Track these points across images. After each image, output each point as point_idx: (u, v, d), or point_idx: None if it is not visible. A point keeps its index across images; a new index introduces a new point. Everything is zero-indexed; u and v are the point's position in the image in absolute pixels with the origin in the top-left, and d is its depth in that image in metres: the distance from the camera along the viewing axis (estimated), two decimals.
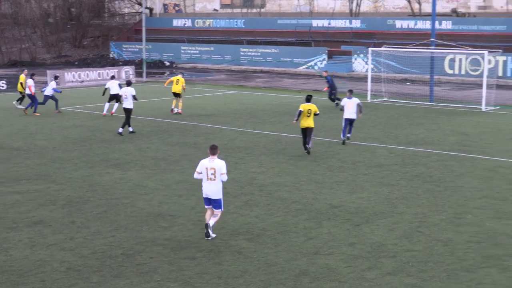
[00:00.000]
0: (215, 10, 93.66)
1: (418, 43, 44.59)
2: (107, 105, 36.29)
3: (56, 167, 23.97)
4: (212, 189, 16.22)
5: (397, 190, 20.76)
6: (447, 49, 48.00)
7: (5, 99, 43.53)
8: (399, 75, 53.60)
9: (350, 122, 28.71)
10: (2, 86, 49.13)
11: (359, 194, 20.31)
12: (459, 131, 31.63)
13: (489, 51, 42.54)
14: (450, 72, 57.16)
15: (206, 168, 16.20)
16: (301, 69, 65.99)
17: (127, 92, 30.77)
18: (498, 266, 14.49)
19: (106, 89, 36.87)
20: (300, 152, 26.47)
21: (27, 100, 38.63)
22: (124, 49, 79.90)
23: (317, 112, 25.98)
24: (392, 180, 22.10)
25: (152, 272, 14.13)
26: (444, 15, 68.45)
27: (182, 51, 75.55)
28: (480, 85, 43.31)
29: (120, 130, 30.39)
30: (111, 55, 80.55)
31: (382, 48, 48.77)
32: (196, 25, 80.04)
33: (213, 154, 16.27)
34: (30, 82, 37.59)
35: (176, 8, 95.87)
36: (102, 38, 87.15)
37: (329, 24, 70.40)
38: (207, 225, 16.24)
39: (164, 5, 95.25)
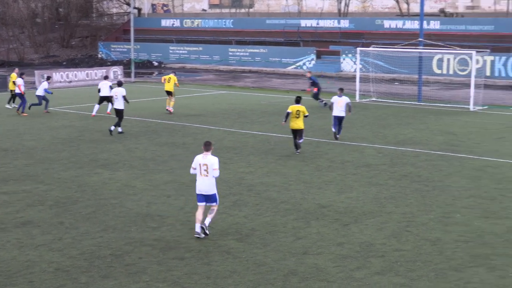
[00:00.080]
0: (203, 10, 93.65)
1: (406, 43, 44.69)
2: (96, 106, 36.19)
3: (44, 168, 23.90)
4: (206, 185, 16.29)
5: (386, 190, 20.80)
6: (435, 49, 48.13)
7: None
8: (388, 75, 53.67)
9: (339, 120, 28.92)
10: None
11: (347, 194, 20.34)
12: (447, 130, 31.72)
13: (477, 51, 42.66)
14: (438, 72, 57.32)
15: (200, 164, 16.32)
16: (290, 69, 66.03)
17: (118, 93, 30.77)
18: (486, 265, 14.54)
19: (100, 89, 36.76)
20: (288, 152, 26.50)
21: (17, 100, 38.43)
22: (112, 49, 79.76)
23: (306, 114, 25.96)
24: (381, 179, 22.15)
25: (141, 273, 14.11)
26: (432, 15, 68.64)
27: (171, 51, 75.47)
28: (468, 85, 43.41)
29: (112, 128, 30.44)
30: (99, 55, 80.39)
31: (370, 48, 48.85)
32: (185, 25, 79.97)
33: (207, 150, 16.38)
34: (19, 81, 37.50)
35: (165, 8, 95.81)
36: (90, 38, 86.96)
37: (318, 24, 70.48)
38: (201, 227, 16.24)
39: (153, 5, 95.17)
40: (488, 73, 53.31)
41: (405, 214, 18.25)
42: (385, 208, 18.83)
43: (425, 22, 52.54)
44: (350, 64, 63.02)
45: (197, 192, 16.46)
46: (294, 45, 69.01)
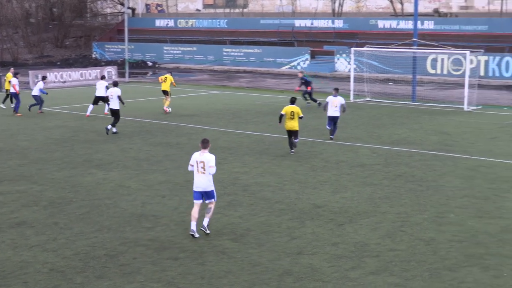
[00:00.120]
0: (197, 10, 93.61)
1: (401, 43, 44.74)
2: (91, 106, 36.16)
3: (38, 168, 23.87)
4: (203, 182, 16.37)
5: (380, 190, 20.82)
6: (429, 49, 48.17)
7: None
8: (382, 75, 53.73)
9: (334, 120, 29.01)
10: None
11: (342, 194, 20.36)
12: (441, 130, 31.77)
13: (471, 51, 42.72)
14: (432, 72, 57.40)
15: (196, 161, 16.42)
16: (284, 69, 66.05)
17: (113, 93, 30.82)
18: (480, 265, 14.57)
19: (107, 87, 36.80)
20: (283, 152, 26.51)
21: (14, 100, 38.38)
22: (106, 49, 79.69)
23: (301, 115, 25.97)
24: (375, 179, 22.17)
25: (136, 273, 14.10)
26: (426, 15, 68.72)
27: (165, 51, 75.45)
28: (462, 85, 43.47)
29: (108, 126, 30.50)
30: (93, 55, 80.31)
31: (364, 48, 48.88)
32: (179, 25, 79.94)
33: (204, 148, 16.49)
34: (14, 81, 37.46)
35: (159, 8, 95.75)
36: (85, 38, 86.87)
37: (312, 24, 70.53)
38: (192, 235, 16.25)
39: (147, 5, 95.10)
40: (482, 73, 53.42)
41: (400, 214, 18.27)
42: (380, 208, 18.85)
43: (419, 22, 52.57)
44: (344, 64, 63.07)
45: (195, 189, 16.52)
46: (288, 45, 69.04)
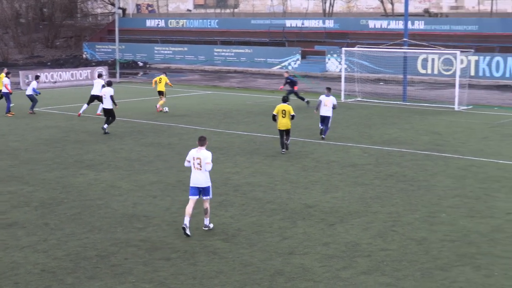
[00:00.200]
0: (188, 10, 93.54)
1: (391, 43, 44.80)
2: (84, 106, 36.12)
3: (29, 169, 23.80)
4: (199, 178, 16.54)
5: (371, 190, 20.84)
6: (420, 49, 48.28)
7: None
8: (373, 75, 53.83)
9: (325, 120, 29.24)
10: None
11: (333, 194, 20.37)
12: (432, 130, 31.83)
13: (461, 51, 42.81)
14: (423, 72, 57.52)
15: (193, 158, 16.59)
16: (275, 69, 66.03)
17: (106, 92, 30.86)
18: (472, 264, 14.59)
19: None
20: (274, 152, 26.51)
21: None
22: (97, 50, 79.56)
23: (292, 113, 26.02)
24: (366, 179, 22.19)
25: (127, 273, 14.07)
26: (416, 15, 68.88)
27: (156, 52, 75.37)
28: (452, 85, 43.64)
29: (105, 126, 30.58)
30: (84, 56, 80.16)
31: (355, 48, 48.94)
32: (170, 26, 79.87)
33: (201, 145, 16.68)
34: (6, 80, 37.37)
35: (149, 8, 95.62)
36: (75, 39, 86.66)
37: (303, 24, 70.56)
38: (184, 228, 16.33)
39: (137, 5, 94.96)
40: (472, 73, 53.52)
41: (391, 214, 18.29)
42: (371, 208, 18.86)
43: (409, 22, 52.72)
44: (335, 64, 63.12)
45: (192, 185, 16.65)
46: (279, 45, 69.06)
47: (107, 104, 30.80)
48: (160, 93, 37.89)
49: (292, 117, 26.08)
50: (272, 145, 27.71)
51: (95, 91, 34.98)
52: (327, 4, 78.91)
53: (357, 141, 28.89)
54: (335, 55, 62.94)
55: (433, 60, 57.27)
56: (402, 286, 13.45)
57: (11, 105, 36.96)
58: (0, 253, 15.31)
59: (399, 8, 71.91)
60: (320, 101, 29.22)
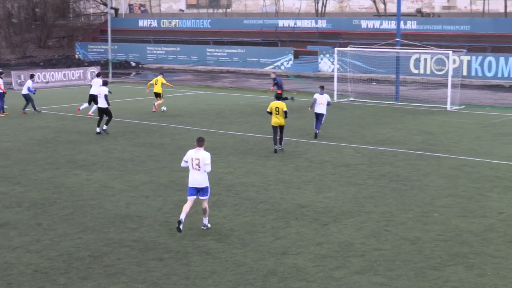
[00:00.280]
0: (181, 10, 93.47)
1: (384, 43, 44.87)
2: (85, 104, 36.15)
3: (21, 169, 23.73)
4: (198, 179, 16.61)
5: (364, 190, 20.85)
6: (412, 49, 48.37)
7: None
8: (365, 75, 53.89)
9: (320, 118, 29.69)
10: None
11: (326, 194, 20.37)
12: (425, 130, 31.87)
13: (454, 51, 42.90)
14: (416, 72, 57.61)
15: (192, 158, 16.66)
16: (268, 69, 66.02)
17: (101, 92, 30.86)
18: (465, 263, 14.61)
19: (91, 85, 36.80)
20: (267, 152, 26.50)
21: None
22: (89, 50, 79.46)
23: (285, 109, 26.24)
24: (359, 179, 22.20)
25: (120, 274, 14.04)
26: (409, 15, 68.98)
27: (148, 52, 75.31)
28: (445, 85, 43.72)
29: (105, 127, 30.65)
30: (76, 56, 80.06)
31: (348, 48, 48.98)
32: (162, 26, 79.81)
33: (200, 146, 16.76)
34: None
35: (142, 8, 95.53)
36: (67, 39, 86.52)
37: (295, 24, 70.59)
38: (180, 221, 16.40)
39: (130, 5, 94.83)
40: (464, 73, 53.64)
41: (384, 214, 18.30)
42: (364, 208, 18.87)
43: (402, 22, 52.75)
44: (328, 64, 63.17)
45: (190, 185, 16.72)
46: (272, 45, 69.08)
47: (102, 103, 30.76)
48: (157, 94, 37.91)
49: (285, 113, 26.25)
50: (265, 145, 27.71)
51: (94, 90, 34.93)
52: (320, 4, 78.94)
53: (350, 141, 28.91)
54: (327, 55, 62.99)
55: (425, 60, 57.38)
56: (395, 285, 13.45)
57: (3, 105, 36.86)
58: None
59: (392, 8, 72.04)
60: (315, 99, 29.55)
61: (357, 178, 22.38)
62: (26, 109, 37.38)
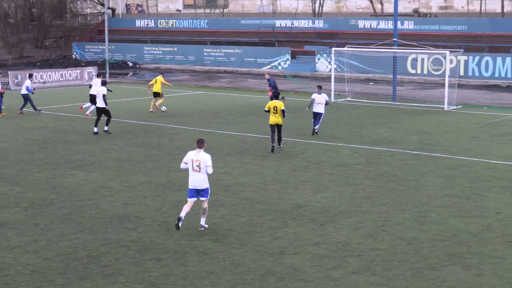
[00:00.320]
0: (178, 10, 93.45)
1: (381, 43, 44.88)
2: (88, 104, 36.23)
3: (19, 169, 23.73)
4: (199, 180, 16.64)
5: (361, 190, 20.87)
6: (409, 49, 48.39)
7: None
8: (362, 75, 53.90)
9: (318, 117, 30.00)
10: None
11: (323, 194, 20.38)
12: (422, 130, 31.90)
13: (451, 51, 42.94)
14: (413, 71, 57.64)
15: (192, 160, 16.66)
16: (265, 69, 65.99)
17: (100, 91, 30.90)
18: (462, 263, 14.63)
19: (91, 85, 36.80)
20: (264, 152, 26.52)
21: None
22: (86, 50, 79.41)
23: (283, 108, 26.32)
24: (356, 179, 22.22)
25: (118, 274, 14.05)
26: (406, 15, 69.00)
27: (145, 52, 75.28)
28: (442, 85, 43.73)
29: (106, 128, 30.69)
30: (73, 56, 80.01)
31: (345, 48, 49.02)
32: (159, 26, 79.80)
33: (200, 147, 16.76)
34: None
35: (139, 8, 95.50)
36: (64, 39, 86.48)
37: (292, 24, 70.60)
38: (179, 218, 16.48)
39: (127, 5, 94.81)
40: (461, 73, 53.69)
41: (381, 214, 18.32)
42: (361, 208, 18.89)
43: (399, 22, 52.83)
44: (325, 64, 63.19)
45: (190, 187, 16.76)
46: (269, 45, 69.08)
47: (100, 103, 30.78)
48: (156, 94, 37.94)
49: (283, 112, 26.33)
50: (262, 145, 27.73)
51: (94, 90, 34.96)
52: (317, 4, 78.96)
53: (347, 141, 28.93)
54: (324, 55, 63.01)
55: (422, 60, 57.42)
56: (392, 285, 13.47)
57: (2, 106, 36.85)
58: None
59: (389, 8, 72.08)
60: (313, 99, 29.81)
61: (354, 178, 22.40)
62: (23, 109, 37.34)
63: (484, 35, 59.20)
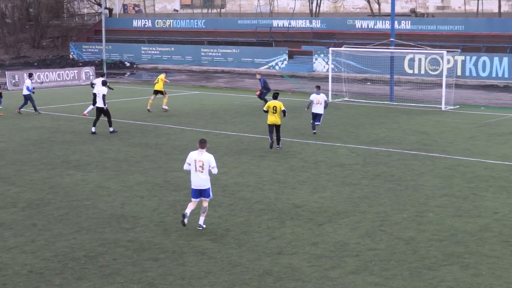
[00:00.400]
0: (175, 10, 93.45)
1: (378, 43, 44.89)
2: (91, 107, 36.26)
3: (16, 169, 23.70)
4: (201, 180, 16.71)
5: (359, 189, 20.86)
6: (407, 49, 48.41)
7: None
8: (360, 75, 53.92)
9: (317, 117, 30.27)
10: None
11: (321, 194, 20.38)
12: (420, 130, 31.90)
13: (448, 51, 42.95)
14: (410, 71, 57.66)
15: (195, 161, 16.70)
16: (262, 69, 65.98)
17: (100, 91, 30.92)
18: (460, 263, 14.63)
19: (92, 83, 36.81)
20: (262, 152, 26.51)
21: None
22: (84, 50, 79.35)
23: (283, 109, 26.51)
24: (354, 179, 22.21)
25: (115, 274, 14.03)
26: (403, 15, 69.08)
27: (143, 52, 75.23)
28: (439, 85, 43.77)
29: (111, 129, 30.76)
30: (70, 56, 79.93)
31: (342, 48, 49.02)
32: (156, 26, 79.75)
33: (202, 147, 16.81)
34: None
35: (136, 8, 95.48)
36: (62, 39, 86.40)
37: (290, 24, 70.61)
38: (184, 215, 16.59)
39: (124, 5, 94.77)
40: (459, 73, 53.70)
41: (379, 214, 18.32)
42: (359, 208, 18.89)
43: (396, 22, 52.84)
44: (322, 64, 63.19)
45: (193, 187, 16.83)
46: (266, 45, 69.07)
47: (100, 103, 30.80)
48: (157, 92, 38.23)
49: (284, 112, 26.53)
50: (260, 145, 27.72)
51: (96, 90, 34.96)
52: (314, 4, 79.01)
53: (345, 141, 28.93)
54: (322, 55, 63.01)
55: (419, 60, 57.44)
56: (390, 285, 13.47)
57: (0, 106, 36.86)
58: None
59: (386, 8, 72.14)
60: (312, 100, 29.97)
61: (352, 178, 22.40)
62: (22, 109, 37.27)
63: (481, 35, 59.25)
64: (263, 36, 70.12)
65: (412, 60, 57.49)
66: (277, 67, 65.41)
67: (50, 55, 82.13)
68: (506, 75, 54.27)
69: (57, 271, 14.21)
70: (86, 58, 77.61)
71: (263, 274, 13.99)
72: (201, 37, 74.19)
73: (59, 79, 53.86)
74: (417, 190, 20.82)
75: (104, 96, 30.73)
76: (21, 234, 16.62)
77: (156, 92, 38.29)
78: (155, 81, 38.88)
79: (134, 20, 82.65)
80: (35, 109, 37.16)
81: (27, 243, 15.98)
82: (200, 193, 16.80)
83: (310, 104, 30.15)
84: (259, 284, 13.53)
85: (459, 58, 54.33)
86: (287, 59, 65.62)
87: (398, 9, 64.08)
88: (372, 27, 65.12)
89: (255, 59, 67.41)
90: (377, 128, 32.34)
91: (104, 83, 31.81)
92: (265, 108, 26.96)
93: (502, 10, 68.93)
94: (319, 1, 78.93)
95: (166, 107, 38.18)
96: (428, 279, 13.76)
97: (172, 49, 73.29)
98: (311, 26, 69.13)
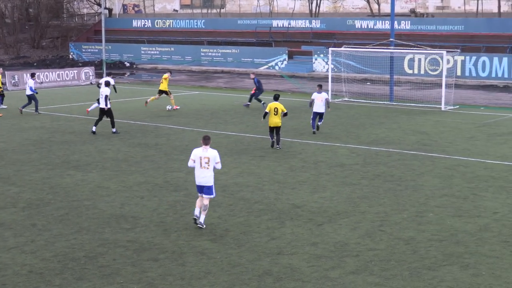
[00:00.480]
0: (175, 10, 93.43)
1: (378, 43, 44.89)
2: (96, 104, 36.35)
3: (15, 169, 23.70)
4: (205, 177, 16.84)
5: (359, 190, 20.87)
6: (406, 49, 48.40)
7: None
8: (360, 75, 53.92)
9: (319, 116, 30.50)
10: None
11: (321, 194, 20.38)
12: (419, 130, 31.90)
13: (448, 51, 42.95)
14: (410, 72, 57.66)
15: (200, 157, 16.83)
16: (262, 69, 66.02)
17: (103, 92, 30.98)
18: (459, 263, 14.63)
19: (99, 83, 36.93)
20: (262, 152, 26.51)
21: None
22: (83, 50, 79.34)
23: (285, 111, 26.81)
24: (354, 179, 22.21)
25: (115, 274, 14.03)
26: (402, 15, 69.09)
27: (143, 52, 75.21)
28: (439, 85, 43.76)
29: (114, 130, 30.84)
30: (70, 56, 79.91)
31: (342, 48, 49.00)
32: (156, 26, 79.74)
33: (206, 144, 16.94)
34: None
35: (136, 8, 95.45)
36: (61, 39, 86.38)
37: (289, 24, 70.59)
38: (195, 219, 16.87)
39: (124, 5, 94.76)
40: (458, 73, 53.70)
41: (379, 214, 18.32)
42: (359, 208, 18.89)
43: (395, 22, 52.82)
44: (322, 64, 63.19)
45: (197, 183, 17.00)
46: (266, 46, 69.07)
47: (102, 103, 30.83)
48: (161, 92, 38.60)
49: (285, 114, 26.87)
50: (259, 145, 27.72)
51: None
52: (314, 5, 79.00)
53: (345, 141, 28.93)
54: (322, 55, 63.01)
55: (419, 60, 57.44)
56: (390, 285, 13.47)
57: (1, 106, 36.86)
58: None
59: (385, 8, 72.13)
60: (313, 99, 30.18)
61: (351, 178, 22.40)
62: (24, 109, 37.25)
63: (481, 35, 59.25)
64: (262, 36, 70.12)
65: (411, 60, 57.49)
66: (276, 67, 65.41)
67: (50, 55, 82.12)
68: (506, 75, 54.27)
69: (57, 271, 14.21)
70: (86, 58, 77.60)
71: (263, 274, 14.00)
72: (201, 37, 74.19)
73: (58, 79, 53.85)
74: (417, 190, 20.82)
75: (106, 97, 30.71)
76: (21, 234, 16.62)
77: (161, 92, 38.44)
78: (161, 81, 39.07)
79: (133, 20, 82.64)
80: (36, 109, 37.16)
81: (27, 243, 15.98)
82: (202, 190, 16.86)
83: (311, 102, 30.34)
84: (259, 284, 13.53)
85: (459, 58, 54.33)
86: (286, 59, 65.62)
87: (397, 9, 64.08)
88: (372, 27, 65.12)
89: (254, 59, 67.41)
90: (377, 128, 32.34)
91: (107, 84, 31.79)
92: (266, 110, 27.04)
93: (501, 10, 68.94)
94: (318, 1, 78.93)
95: (176, 107, 38.65)
96: (428, 279, 13.77)
97: (172, 49, 73.29)
98: (310, 26, 69.12)
